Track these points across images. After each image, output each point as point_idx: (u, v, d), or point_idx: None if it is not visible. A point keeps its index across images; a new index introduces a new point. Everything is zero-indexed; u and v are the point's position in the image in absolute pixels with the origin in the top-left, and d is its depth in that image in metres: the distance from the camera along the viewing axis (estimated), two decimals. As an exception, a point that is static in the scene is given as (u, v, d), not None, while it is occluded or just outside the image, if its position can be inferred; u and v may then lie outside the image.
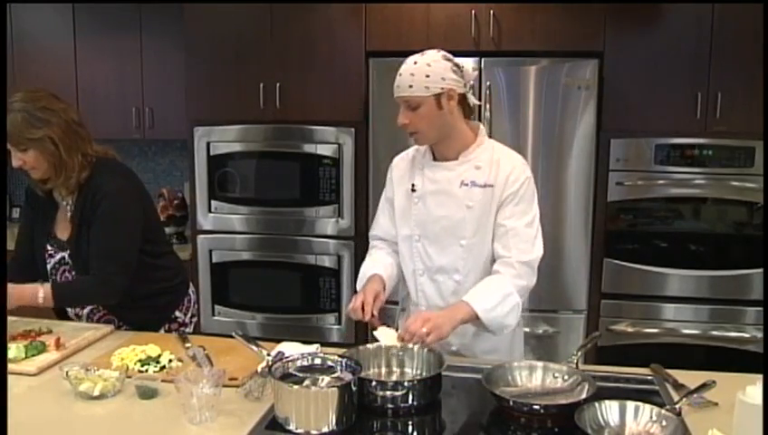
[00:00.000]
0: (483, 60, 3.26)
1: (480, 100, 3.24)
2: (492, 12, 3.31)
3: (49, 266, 2.23)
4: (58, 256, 2.21)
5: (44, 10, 3.99)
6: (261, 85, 3.55)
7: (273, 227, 3.64)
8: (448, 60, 1.89)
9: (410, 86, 1.86)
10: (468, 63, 3.25)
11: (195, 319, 2.43)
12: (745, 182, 3.23)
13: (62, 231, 2.20)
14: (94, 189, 2.11)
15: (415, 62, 1.88)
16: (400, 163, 2.11)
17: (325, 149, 3.53)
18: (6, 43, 3.95)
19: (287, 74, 3.54)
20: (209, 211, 3.69)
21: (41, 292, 2.06)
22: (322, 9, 3.48)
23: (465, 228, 1.95)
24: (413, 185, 2.02)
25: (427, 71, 1.85)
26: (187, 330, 2.34)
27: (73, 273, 2.19)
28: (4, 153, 2.07)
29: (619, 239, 3.38)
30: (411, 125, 1.90)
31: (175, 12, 3.69)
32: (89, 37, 3.95)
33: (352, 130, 3.49)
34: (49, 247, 2.22)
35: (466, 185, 1.95)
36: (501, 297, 1.88)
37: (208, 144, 3.63)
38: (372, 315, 1.86)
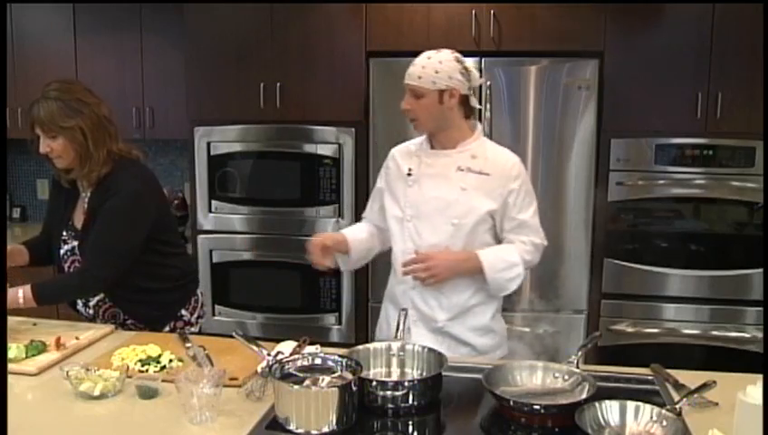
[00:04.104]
0: (483, 60, 3.26)
1: (480, 99, 3.24)
2: (492, 12, 3.31)
3: (61, 252, 2.26)
4: (71, 244, 2.24)
5: (44, 10, 3.98)
6: (261, 85, 3.55)
7: (273, 227, 3.64)
8: (459, 62, 2.05)
9: (419, 77, 2.02)
10: (469, 63, 3.29)
11: (201, 320, 2.44)
12: (745, 182, 3.23)
13: (78, 220, 2.24)
14: (108, 186, 2.14)
15: (429, 57, 2.04)
16: (398, 154, 2.25)
17: (325, 149, 3.53)
18: (6, 43, 3.95)
19: (287, 74, 3.54)
20: (210, 211, 3.69)
21: (20, 293, 2.06)
22: (322, 9, 3.48)
23: (456, 209, 2.08)
24: (410, 169, 2.16)
25: (437, 67, 2.01)
26: (193, 329, 2.36)
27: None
28: (4, 152, 2.09)
29: (619, 239, 3.38)
30: (412, 111, 2.07)
31: (175, 12, 3.69)
32: (89, 37, 3.95)
33: (352, 129, 3.49)
34: (65, 234, 2.26)
35: (462, 170, 2.09)
36: (509, 264, 2.08)
37: (209, 144, 3.64)
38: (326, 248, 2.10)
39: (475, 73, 2.08)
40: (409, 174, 2.15)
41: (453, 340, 2.13)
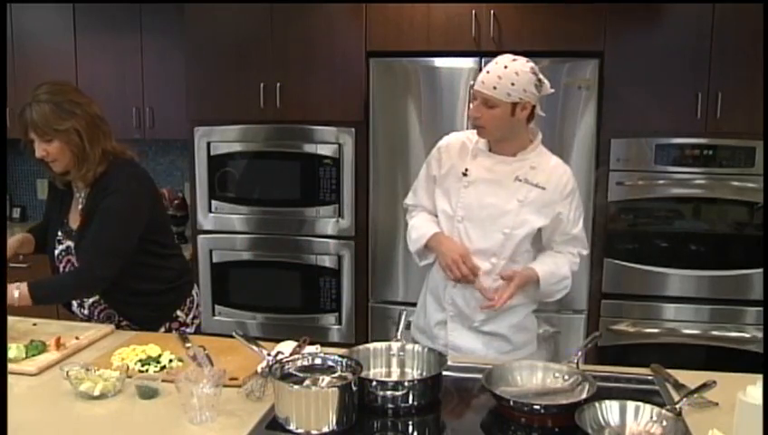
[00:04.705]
0: (483, 60, 3.26)
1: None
2: (492, 12, 3.31)
3: (56, 252, 2.26)
4: (65, 245, 2.24)
5: (44, 10, 3.98)
6: (261, 85, 3.55)
7: (273, 227, 3.64)
8: (535, 73, 2.00)
9: (494, 87, 1.96)
10: (469, 63, 3.30)
11: (197, 321, 2.43)
12: (745, 182, 3.23)
13: (73, 221, 2.23)
14: (105, 185, 2.13)
15: (505, 66, 1.98)
16: (450, 147, 2.19)
17: (325, 149, 3.53)
18: (6, 43, 3.95)
19: (287, 74, 3.54)
20: (209, 211, 3.69)
21: (15, 292, 2.03)
22: (322, 9, 3.48)
23: (510, 219, 2.08)
24: (466, 169, 2.12)
25: (513, 79, 1.96)
26: (188, 330, 2.34)
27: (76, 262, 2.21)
28: (4, 153, 2.08)
29: (619, 239, 3.38)
30: (481, 119, 2.02)
31: (175, 12, 3.69)
32: (89, 37, 3.95)
33: (352, 130, 3.49)
34: (59, 234, 2.25)
35: (520, 181, 2.08)
36: (560, 277, 2.13)
37: (209, 144, 3.63)
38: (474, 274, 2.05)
39: (547, 84, 2.04)
40: (465, 174, 2.12)
41: (488, 335, 2.15)
